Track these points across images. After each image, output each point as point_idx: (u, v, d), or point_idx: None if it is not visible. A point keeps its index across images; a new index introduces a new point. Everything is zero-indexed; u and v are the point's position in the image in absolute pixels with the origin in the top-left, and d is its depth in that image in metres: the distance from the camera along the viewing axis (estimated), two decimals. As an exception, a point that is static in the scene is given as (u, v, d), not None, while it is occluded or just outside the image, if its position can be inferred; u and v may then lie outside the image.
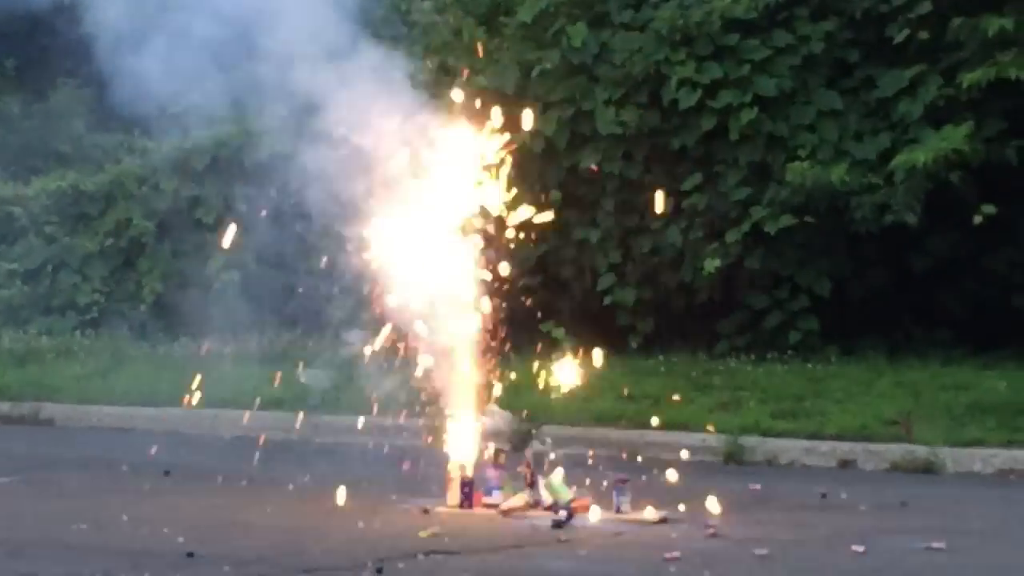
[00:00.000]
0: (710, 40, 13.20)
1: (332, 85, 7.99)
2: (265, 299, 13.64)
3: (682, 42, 13.26)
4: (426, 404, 8.02)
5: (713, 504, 7.45)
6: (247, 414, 11.96)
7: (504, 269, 8.06)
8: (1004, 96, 12.22)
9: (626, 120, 13.38)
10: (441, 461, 8.00)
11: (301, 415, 10.69)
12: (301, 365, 12.12)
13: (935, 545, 6.74)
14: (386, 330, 7.91)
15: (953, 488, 9.23)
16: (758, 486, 8.92)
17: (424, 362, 7.93)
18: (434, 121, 8.01)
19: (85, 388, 13.64)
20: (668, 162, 13.47)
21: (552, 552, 6.63)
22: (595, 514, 6.92)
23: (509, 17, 14.28)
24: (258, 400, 12.15)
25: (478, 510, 7.71)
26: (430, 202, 7.99)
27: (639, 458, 9.99)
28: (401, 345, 7.93)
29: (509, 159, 8.03)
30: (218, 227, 15.79)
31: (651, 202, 13.35)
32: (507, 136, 7.92)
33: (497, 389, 8.09)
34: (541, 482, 7.73)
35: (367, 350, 8.02)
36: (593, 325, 12.64)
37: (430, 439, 8.01)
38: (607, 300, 13.47)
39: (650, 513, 7.52)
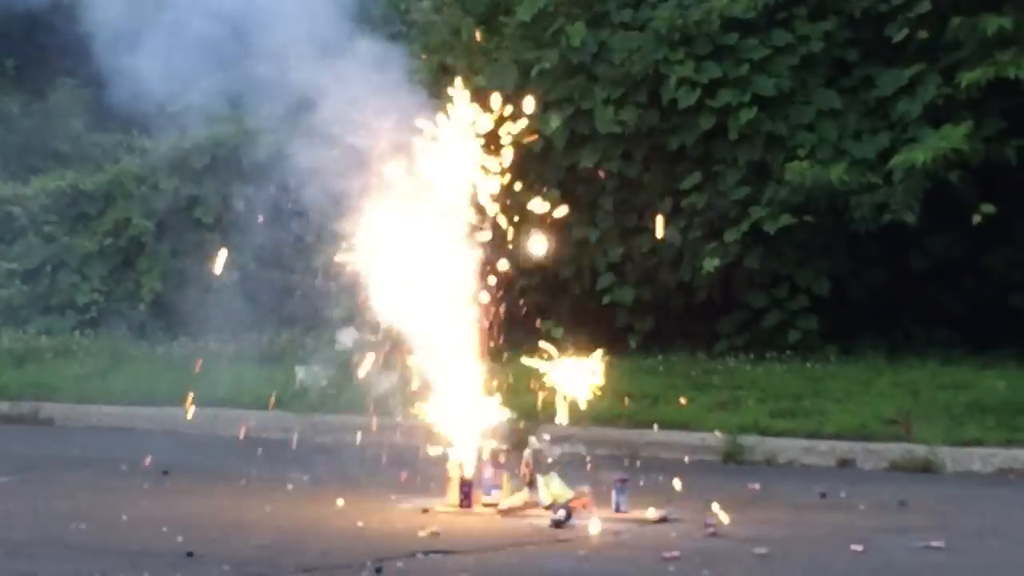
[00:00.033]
0: (709, 39, 13.20)
1: (330, 84, 7.99)
2: (264, 298, 13.63)
3: (681, 41, 13.26)
4: (425, 404, 8.01)
5: (720, 513, 7.40)
6: (246, 413, 12.00)
7: (503, 266, 8.05)
8: (1003, 95, 12.23)
9: (625, 119, 13.38)
10: (440, 461, 8.00)
11: (300, 415, 10.71)
12: (298, 364, 12.13)
13: (934, 544, 6.74)
14: (382, 329, 7.91)
15: (952, 487, 9.23)
16: (757, 485, 8.93)
17: (422, 361, 7.93)
18: (433, 120, 8.00)
19: (84, 388, 13.63)
20: (667, 161, 13.48)
21: (551, 551, 6.63)
22: (595, 526, 6.91)
23: (508, 16, 14.29)
24: (257, 400, 12.18)
25: (477, 509, 7.71)
26: (429, 201, 7.99)
27: (638, 459, 9.99)
28: (398, 344, 7.92)
29: (511, 152, 8.04)
30: (217, 226, 15.82)
31: (650, 202, 13.46)
32: (510, 129, 7.93)
33: (496, 387, 8.08)
34: (540, 481, 7.73)
35: (365, 349, 8.02)
36: (592, 324, 12.64)
37: (429, 439, 8.00)
38: (606, 299, 13.48)
39: (649, 512, 7.52)
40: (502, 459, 7.86)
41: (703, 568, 6.13)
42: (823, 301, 12.93)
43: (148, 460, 9.22)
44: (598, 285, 13.53)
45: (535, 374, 8.00)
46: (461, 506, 7.72)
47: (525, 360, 7.93)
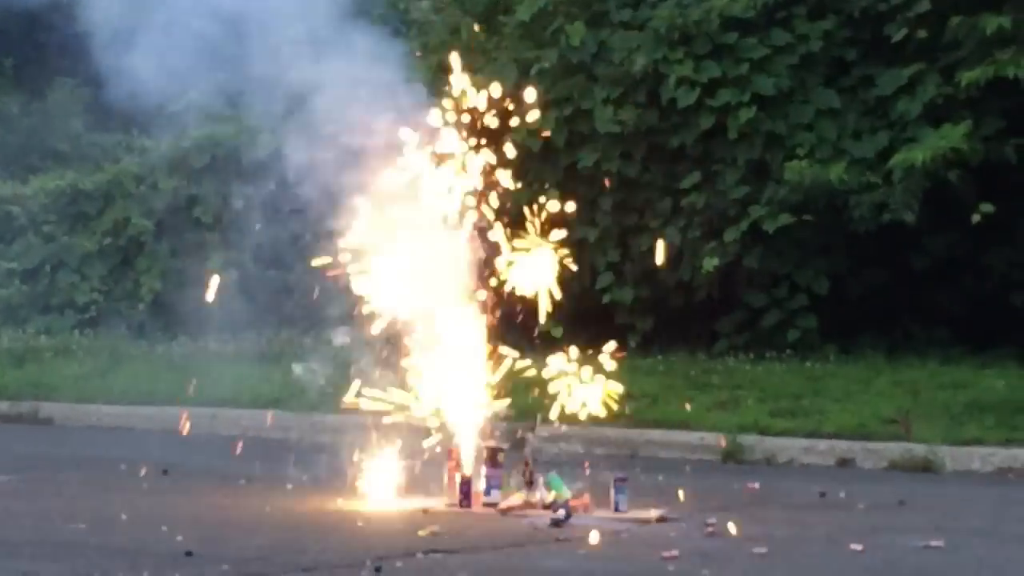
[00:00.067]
0: (708, 39, 13.21)
1: (329, 82, 7.99)
2: (263, 298, 13.64)
3: (680, 41, 13.26)
4: (424, 403, 8.01)
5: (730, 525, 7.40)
6: (246, 413, 12.00)
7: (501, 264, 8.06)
8: (1003, 95, 12.23)
9: (624, 119, 13.38)
10: (440, 460, 8.00)
11: (300, 414, 10.71)
12: (300, 364, 12.12)
13: (933, 543, 6.74)
14: (380, 328, 7.91)
15: (952, 487, 9.24)
16: (756, 485, 8.92)
17: (421, 360, 7.92)
18: (432, 119, 8.01)
19: (84, 387, 13.64)
20: (666, 161, 13.48)
21: (551, 551, 6.63)
22: (595, 538, 6.92)
23: (507, 16, 14.29)
24: (256, 399, 12.18)
25: (477, 509, 7.70)
26: (428, 200, 7.99)
27: (638, 458, 9.99)
28: (396, 343, 7.92)
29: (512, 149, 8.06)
30: (216, 226, 15.82)
31: (650, 201, 13.46)
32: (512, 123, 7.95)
33: (494, 383, 8.08)
34: (540, 481, 7.73)
35: (364, 348, 8.01)
36: (591, 324, 12.63)
37: (428, 438, 8.00)
38: (605, 299, 13.48)
39: (649, 512, 7.52)
40: (502, 459, 7.86)
41: (702, 568, 6.12)
42: (822, 300, 12.94)
43: (160, 464, 9.21)
44: (597, 284, 13.53)
45: (534, 373, 8.00)
46: (461, 506, 7.72)
47: (542, 363, 7.93)
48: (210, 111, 14.75)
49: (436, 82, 11.70)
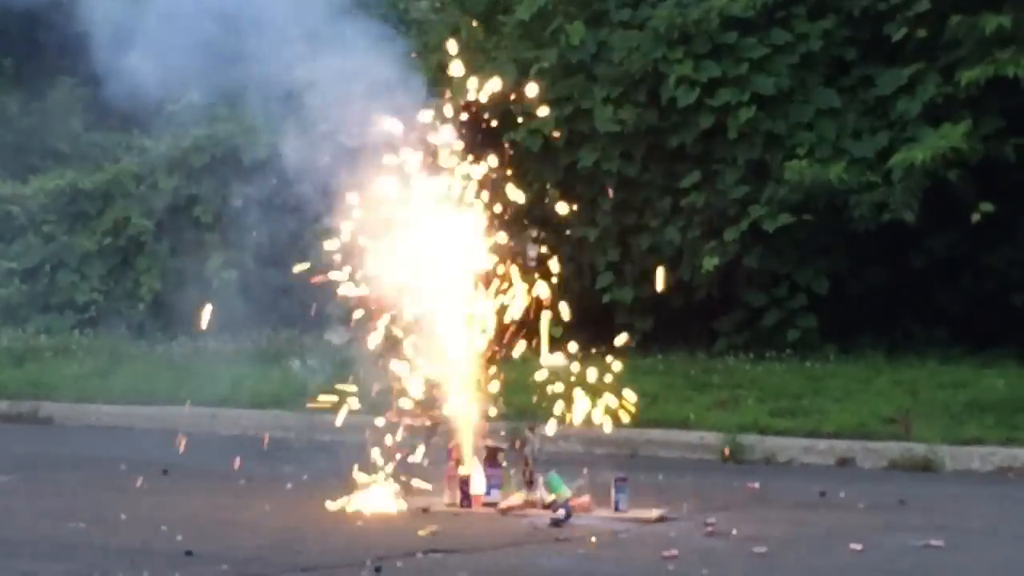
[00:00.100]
0: (708, 38, 13.20)
1: (328, 82, 7.99)
2: (263, 297, 13.63)
3: (680, 40, 13.26)
4: (424, 402, 8.01)
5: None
6: (245, 412, 12.00)
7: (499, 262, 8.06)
8: (1002, 94, 12.23)
9: (624, 118, 13.38)
10: (440, 460, 8.00)
11: (300, 414, 10.68)
12: (296, 360, 12.12)
13: (933, 543, 6.74)
14: (378, 327, 7.91)
15: (951, 486, 9.23)
16: (756, 484, 8.92)
17: (421, 359, 7.92)
18: (431, 116, 8.01)
19: (83, 387, 13.63)
20: (666, 160, 13.48)
21: (551, 550, 6.63)
22: (594, 538, 6.92)
23: (507, 15, 14.28)
24: (256, 399, 12.18)
25: (477, 509, 7.70)
26: (427, 198, 7.99)
27: (637, 456, 9.99)
28: (395, 342, 7.92)
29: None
30: (216, 225, 15.81)
31: (650, 201, 13.46)
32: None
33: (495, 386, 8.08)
34: (540, 480, 7.73)
35: (366, 346, 8.01)
36: (591, 323, 12.62)
37: (428, 437, 8.00)
38: (605, 298, 13.48)
39: (649, 511, 7.52)
40: (502, 458, 7.86)
41: (702, 567, 6.13)
42: (822, 300, 12.93)
43: (160, 464, 9.20)
44: (597, 284, 13.53)
45: (533, 372, 8.00)
46: (461, 505, 7.72)
47: (542, 361, 7.93)
48: (210, 111, 14.75)
49: (436, 82, 11.73)
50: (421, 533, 6.86)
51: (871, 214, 12.34)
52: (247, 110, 13.74)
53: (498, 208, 8.08)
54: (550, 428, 8.04)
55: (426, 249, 7.92)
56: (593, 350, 8.04)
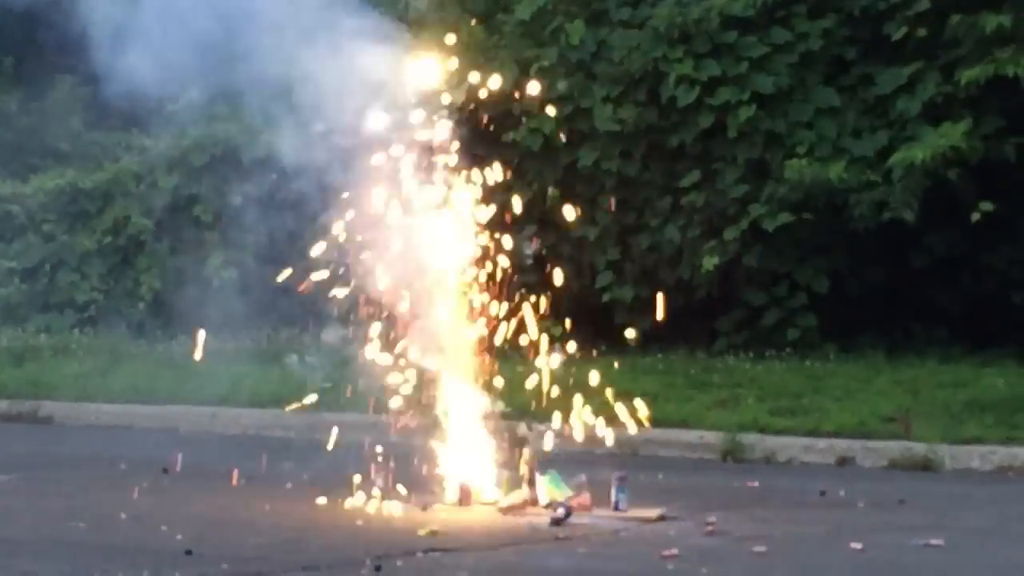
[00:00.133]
0: (708, 37, 13.21)
1: (327, 80, 7.98)
2: (263, 296, 13.63)
3: (680, 39, 13.26)
4: (424, 401, 8.01)
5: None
6: (245, 412, 11.99)
7: (504, 262, 8.06)
8: (1002, 93, 12.23)
9: (624, 117, 13.38)
10: (440, 459, 8.00)
11: (299, 413, 10.66)
12: (294, 356, 12.11)
13: (933, 542, 6.74)
14: (376, 326, 7.91)
15: (951, 485, 9.23)
16: (756, 483, 8.93)
17: (421, 359, 7.92)
18: (427, 118, 8.01)
19: (83, 386, 13.63)
20: (666, 159, 13.48)
21: (551, 549, 6.63)
22: (594, 536, 6.93)
23: (507, 14, 14.28)
24: (256, 398, 12.17)
25: (477, 507, 7.70)
26: (426, 197, 7.99)
27: (638, 456, 9.99)
28: (394, 341, 7.92)
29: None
30: (216, 224, 15.81)
31: (650, 200, 13.46)
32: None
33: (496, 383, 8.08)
34: (540, 480, 7.73)
35: (353, 346, 8.01)
36: (591, 323, 12.63)
37: (428, 436, 8.00)
38: (605, 297, 13.48)
39: (649, 511, 7.52)
40: (501, 457, 7.86)
41: (702, 566, 6.12)
42: (822, 299, 12.93)
43: (159, 463, 9.20)
44: (597, 283, 13.53)
45: (531, 371, 8.00)
46: (461, 504, 7.72)
47: (538, 363, 7.93)
48: (209, 110, 14.74)
49: (435, 81, 11.72)
50: (421, 532, 6.86)
51: (871, 213, 12.34)
52: (247, 109, 13.73)
53: (493, 207, 8.07)
54: (546, 427, 8.03)
55: (420, 248, 7.91)
56: (594, 352, 8.03)
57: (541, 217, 13.05)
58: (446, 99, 8.05)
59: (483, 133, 11.74)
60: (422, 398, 7.99)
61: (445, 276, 7.94)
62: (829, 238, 12.88)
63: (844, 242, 12.86)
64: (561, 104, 13.41)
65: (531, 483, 7.73)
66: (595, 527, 7.17)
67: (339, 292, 7.92)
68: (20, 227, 17.14)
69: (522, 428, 9.19)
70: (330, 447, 8.08)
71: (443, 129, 7.99)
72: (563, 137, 13.06)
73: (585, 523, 7.24)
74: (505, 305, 8.03)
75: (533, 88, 8.21)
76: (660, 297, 8.85)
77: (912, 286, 12.89)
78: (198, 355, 8.64)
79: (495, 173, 8.10)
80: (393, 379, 7.94)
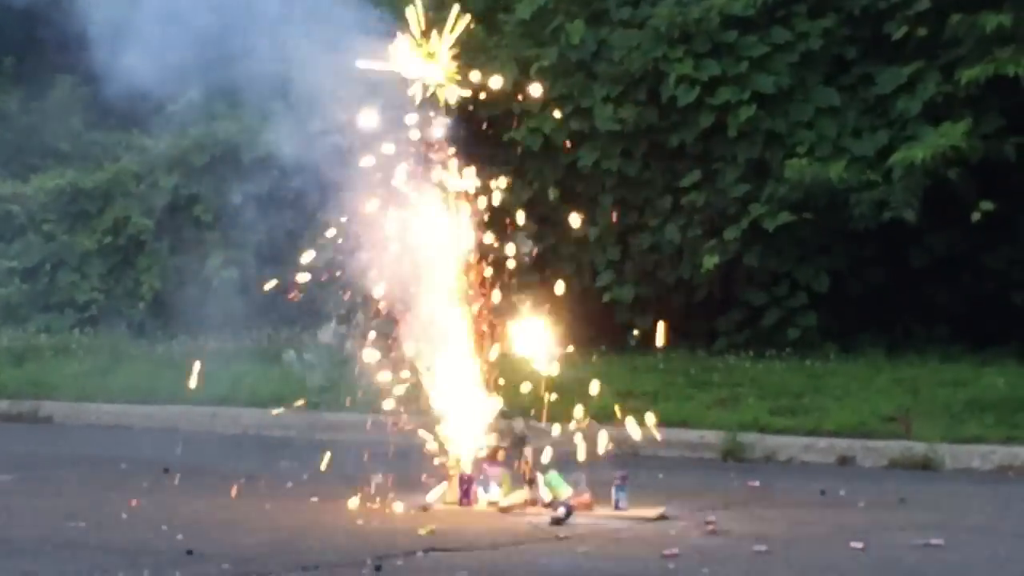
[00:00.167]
0: (708, 37, 13.21)
1: (329, 80, 7.99)
2: (263, 296, 13.62)
3: (680, 39, 13.26)
4: (424, 401, 8.01)
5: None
6: (245, 411, 11.99)
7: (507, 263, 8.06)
8: (1002, 93, 12.23)
9: (624, 117, 13.39)
10: (440, 458, 8.00)
11: (299, 412, 10.67)
12: (292, 352, 12.12)
13: (933, 541, 6.74)
14: (374, 325, 7.91)
15: (952, 485, 9.23)
16: (757, 483, 8.93)
17: (421, 358, 7.92)
18: (431, 118, 8.00)
19: (83, 386, 13.63)
20: (666, 159, 13.49)
21: (551, 549, 6.63)
22: (595, 536, 6.92)
23: (507, 14, 14.29)
24: (256, 397, 12.17)
25: (477, 507, 7.70)
26: (425, 196, 7.99)
27: (638, 455, 9.98)
28: (394, 341, 7.92)
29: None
30: (216, 224, 15.81)
31: (650, 199, 13.47)
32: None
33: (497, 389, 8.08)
34: (540, 479, 7.73)
35: (348, 345, 8.01)
36: (591, 322, 12.64)
37: (428, 436, 8.00)
38: (606, 297, 13.48)
39: (649, 510, 7.52)
40: (502, 456, 7.86)
41: (702, 566, 6.12)
42: (823, 298, 12.94)
43: (160, 463, 9.20)
44: (597, 283, 13.54)
45: (531, 371, 8.00)
46: (461, 504, 7.72)
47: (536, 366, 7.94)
48: (209, 109, 14.74)
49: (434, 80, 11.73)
50: (421, 532, 6.86)
51: (871, 213, 12.34)
52: (246, 108, 13.74)
53: (493, 208, 8.07)
54: (547, 427, 8.03)
55: (419, 248, 7.91)
56: (594, 357, 8.03)
57: (541, 217, 13.06)
58: (445, 98, 8.05)
59: (483, 133, 11.76)
60: (420, 397, 7.99)
61: (444, 275, 7.94)
62: (829, 238, 12.88)
63: (844, 242, 12.86)
64: (561, 104, 13.43)
65: (531, 483, 7.73)
66: (595, 527, 7.17)
67: (338, 292, 7.93)
68: (20, 227, 17.15)
69: (522, 427, 9.19)
70: (323, 467, 8.07)
71: (442, 128, 7.99)
72: (567, 145, 13.07)
73: (585, 523, 7.24)
74: (505, 305, 8.02)
75: (535, 90, 8.19)
76: (661, 326, 8.82)
77: (912, 286, 12.90)
78: (193, 384, 8.65)
79: (494, 172, 8.10)
80: (392, 379, 7.93)
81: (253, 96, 9.22)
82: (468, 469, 7.80)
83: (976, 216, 12.04)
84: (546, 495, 7.66)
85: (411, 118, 7.92)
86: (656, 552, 6.40)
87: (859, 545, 6.62)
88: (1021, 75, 11.95)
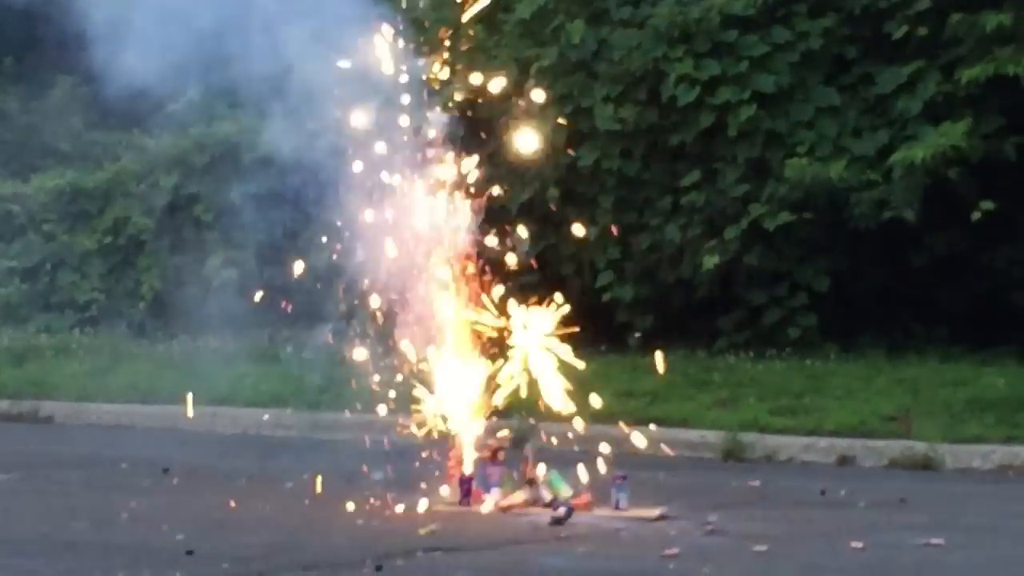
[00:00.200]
0: (708, 37, 13.20)
1: (329, 79, 7.99)
2: (263, 296, 13.63)
3: (680, 39, 13.25)
4: (424, 400, 8.00)
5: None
6: (245, 411, 12.00)
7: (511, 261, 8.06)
8: (1003, 92, 12.23)
9: (625, 117, 13.38)
10: (440, 458, 8.00)
11: (299, 412, 10.70)
12: (288, 348, 12.13)
13: (933, 541, 6.74)
14: (373, 325, 7.90)
15: (952, 484, 9.23)
16: (757, 482, 8.92)
17: (421, 358, 7.92)
18: (432, 117, 8.00)
19: (84, 386, 13.64)
20: (667, 159, 13.48)
21: (551, 549, 6.63)
22: (595, 536, 6.92)
23: (507, 14, 14.28)
24: (256, 397, 12.18)
25: (477, 507, 7.70)
26: (425, 196, 7.99)
27: (638, 455, 9.97)
28: (394, 340, 7.92)
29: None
30: (216, 224, 15.82)
31: (650, 199, 13.46)
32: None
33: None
34: (540, 479, 7.73)
35: (362, 345, 8.01)
36: (592, 322, 12.62)
37: (428, 435, 8.00)
38: (606, 297, 13.47)
39: (649, 510, 7.52)
40: (502, 456, 7.85)
41: (702, 566, 6.12)
42: (823, 298, 12.93)
43: (160, 463, 9.20)
44: (597, 283, 13.53)
45: (531, 371, 7.99)
46: (461, 504, 7.72)
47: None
48: (209, 109, 14.74)
49: (434, 79, 11.72)
50: (422, 532, 6.86)
51: (871, 212, 12.34)
52: (246, 108, 13.74)
53: (492, 207, 8.07)
54: (547, 427, 8.03)
55: (418, 247, 7.91)
56: (594, 352, 8.03)
57: (541, 217, 13.05)
58: (445, 97, 8.05)
59: (482, 132, 11.75)
60: (420, 397, 7.99)
61: (444, 275, 7.94)
62: (829, 238, 12.87)
63: (845, 241, 12.86)
64: (561, 104, 13.42)
65: (531, 482, 7.73)
66: (595, 527, 7.17)
67: (337, 292, 7.93)
68: (21, 227, 17.16)
69: (522, 427, 9.19)
70: (319, 489, 8.06)
71: (441, 127, 7.99)
72: (569, 151, 13.06)
73: (585, 523, 7.23)
74: (504, 304, 8.02)
75: (537, 96, 8.16)
76: (659, 354, 8.80)
77: (912, 286, 12.89)
78: (190, 413, 8.67)
79: (493, 172, 8.10)
80: (391, 378, 7.93)
81: (253, 96, 9.21)
82: (468, 469, 7.80)
83: (976, 216, 12.04)
84: (546, 495, 7.65)
85: (411, 118, 7.92)
86: (656, 552, 6.39)
87: (859, 545, 6.62)
88: (1021, 75, 11.95)
